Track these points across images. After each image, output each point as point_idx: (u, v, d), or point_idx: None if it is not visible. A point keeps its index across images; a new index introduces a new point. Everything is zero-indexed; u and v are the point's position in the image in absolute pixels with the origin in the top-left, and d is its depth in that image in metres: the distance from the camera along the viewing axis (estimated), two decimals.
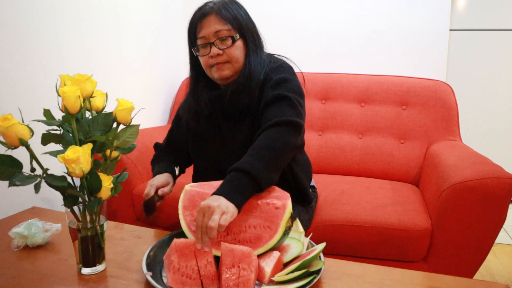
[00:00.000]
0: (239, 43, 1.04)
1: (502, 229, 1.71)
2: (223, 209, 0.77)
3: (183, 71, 2.25)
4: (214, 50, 1.02)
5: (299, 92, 1.03)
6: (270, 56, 1.12)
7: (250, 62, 1.04)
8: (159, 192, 1.05)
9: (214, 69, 1.05)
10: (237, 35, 1.03)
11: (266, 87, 1.03)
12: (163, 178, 1.10)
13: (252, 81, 1.03)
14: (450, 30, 2.20)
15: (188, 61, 1.14)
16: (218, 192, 0.82)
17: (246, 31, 1.05)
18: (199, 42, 1.05)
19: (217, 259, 0.79)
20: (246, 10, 1.08)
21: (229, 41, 1.02)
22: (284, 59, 1.12)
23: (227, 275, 0.73)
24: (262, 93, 1.04)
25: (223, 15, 1.01)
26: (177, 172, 1.19)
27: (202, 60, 1.07)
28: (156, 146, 1.27)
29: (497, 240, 1.87)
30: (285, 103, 0.98)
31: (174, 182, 1.15)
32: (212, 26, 1.01)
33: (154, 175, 1.15)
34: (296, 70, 1.11)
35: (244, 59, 1.05)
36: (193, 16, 1.06)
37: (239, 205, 0.81)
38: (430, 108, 1.72)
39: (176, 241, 0.77)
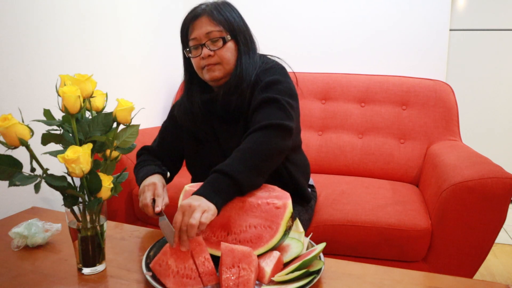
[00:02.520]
0: (230, 45, 1.03)
1: (502, 229, 1.72)
2: (204, 208, 0.77)
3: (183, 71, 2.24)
4: (205, 51, 1.01)
5: (290, 94, 1.02)
6: (263, 57, 1.11)
7: (241, 64, 1.04)
8: (159, 208, 0.90)
9: (205, 70, 1.04)
10: (228, 36, 1.02)
11: (257, 89, 1.02)
12: (155, 182, 0.97)
13: (243, 82, 1.03)
14: (450, 30, 2.20)
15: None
16: (198, 193, 0.81)
17: (238, 33, 1.04)
18: (191, 43, 1.05)
19: (217, 259, 0.79)
20: (239, 12, 1.07)
21: (220, 43, 1.02)
22: (277, 59, 1.11)
23: (227, 275, 0.73)
24: (253, 95, 1.03)
25: (214, 16, 1.01)
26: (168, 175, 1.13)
27: (194, 61, 1.06)
28: (144, 149, 1.18)
29: (497, 240, 1.88)
30: (274, 105, 0.97)
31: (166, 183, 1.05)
32: (204, 27, 1.01)
33: (141, 179, 1.01)
34: (288, 70, 1.10)
35: (235, 60, 1.05)
36: (185, 18, 1.06)
37: (219, 207, 0.81)
38: (430, 108, 1.72)
39: (168, 245, 0.77)
